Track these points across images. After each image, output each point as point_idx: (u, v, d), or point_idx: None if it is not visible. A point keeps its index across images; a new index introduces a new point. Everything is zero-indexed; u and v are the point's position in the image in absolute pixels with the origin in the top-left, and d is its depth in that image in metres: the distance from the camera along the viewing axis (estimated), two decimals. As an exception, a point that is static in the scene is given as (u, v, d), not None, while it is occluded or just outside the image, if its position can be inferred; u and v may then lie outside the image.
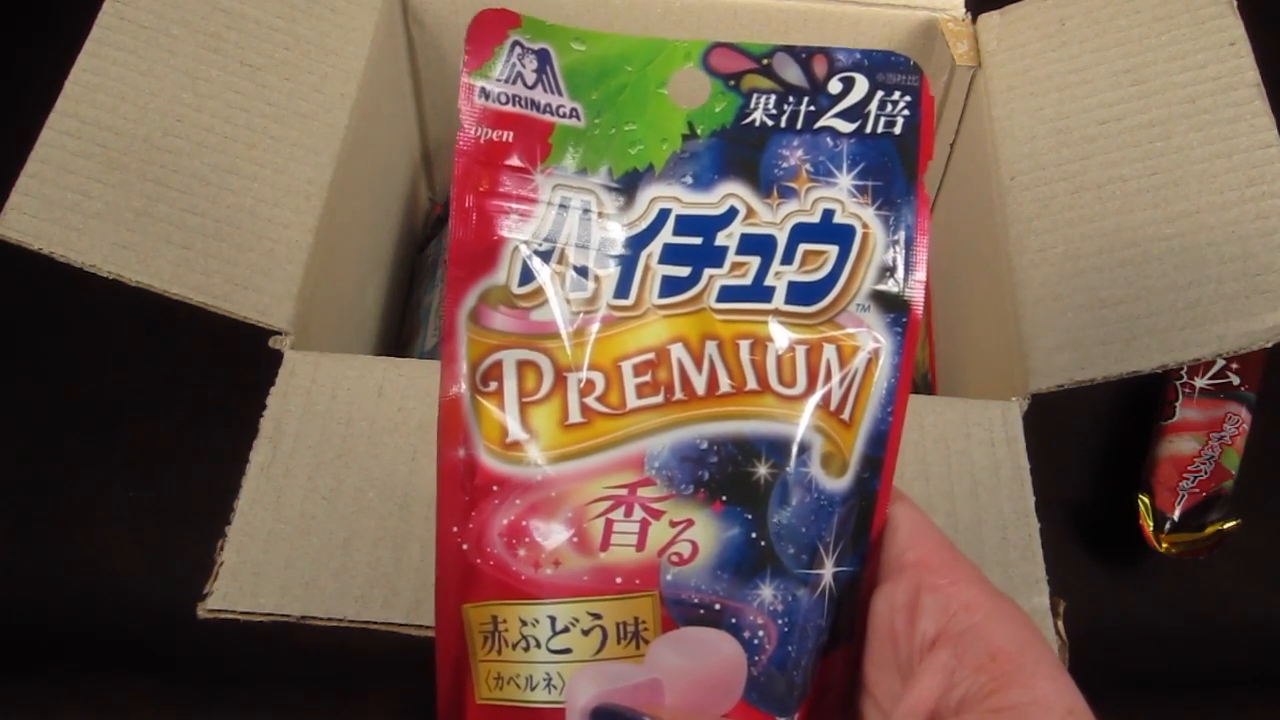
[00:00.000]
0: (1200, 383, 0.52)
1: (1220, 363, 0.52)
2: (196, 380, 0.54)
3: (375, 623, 0.31)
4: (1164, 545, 0.49)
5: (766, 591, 0.24)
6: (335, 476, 0.33)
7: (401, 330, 0.55)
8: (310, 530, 0.32)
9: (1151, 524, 0.49)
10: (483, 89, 0.24)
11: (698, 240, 0.25)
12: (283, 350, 0.35)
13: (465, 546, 0.24)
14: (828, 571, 0.24)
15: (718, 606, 0.23)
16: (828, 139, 0.25)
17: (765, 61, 0.25)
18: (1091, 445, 0.55)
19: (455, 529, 0.24)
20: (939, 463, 0.34)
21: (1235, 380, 0.52)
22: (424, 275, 0.55)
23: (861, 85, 0.25)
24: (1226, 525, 0.48)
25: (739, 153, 0.25)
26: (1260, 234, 0.36)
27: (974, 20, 0.45)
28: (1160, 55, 0.40)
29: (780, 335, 0.25)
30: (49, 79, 0.38)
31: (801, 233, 0.25)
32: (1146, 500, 0.49)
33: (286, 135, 0.39)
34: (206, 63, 0.39)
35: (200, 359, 0.55)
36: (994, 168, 0.41)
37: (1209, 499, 0.49)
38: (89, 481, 0.51)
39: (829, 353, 0.25)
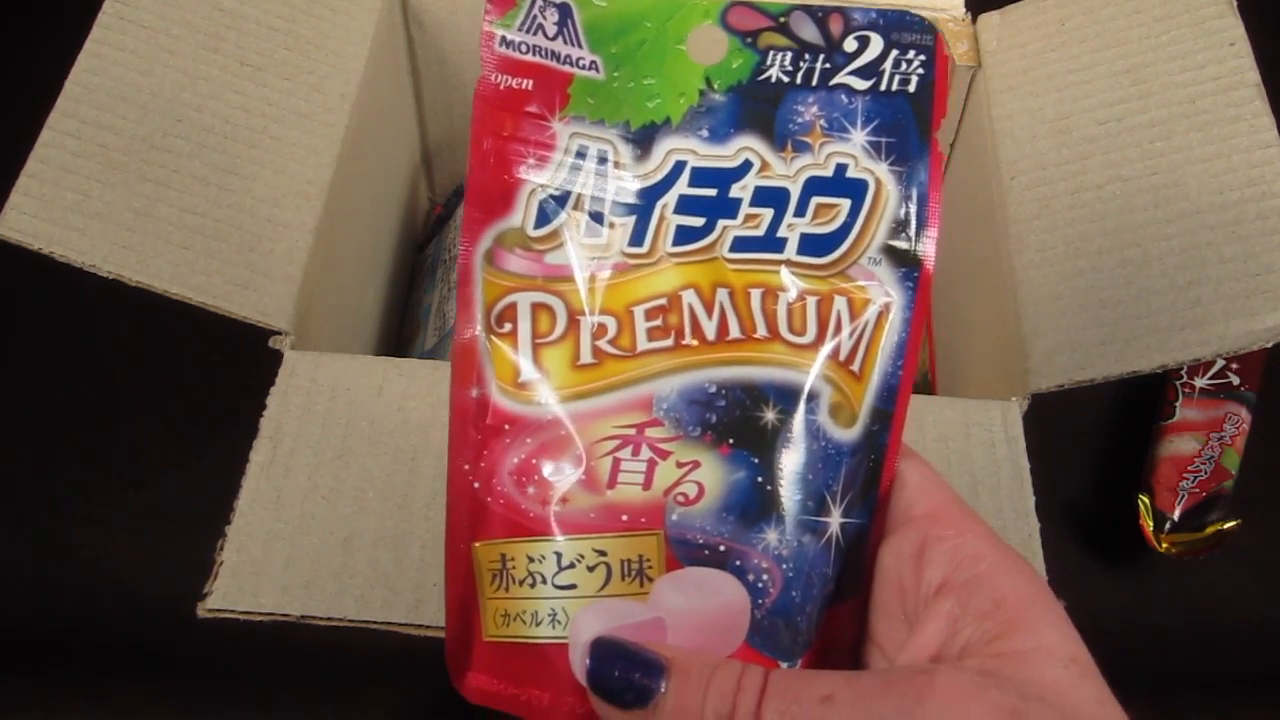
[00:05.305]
0: (1200, 383, 0.52)
1: (1220, 363, 0.52)
2: (196, 380, 0.54)
3: (375, 623, 0.31)
4: (1164, 545, 0.49)
5: (772, 536, 0.24)
6: (335, 476, 0.33)
7: (401, 330, 0.55)
8: (310, 530, 0.32)
9: (1151, 524, 0.49)
10: (503, 37, 0.25)
11: (712, 192, 0.25)
12: (283, 350, 0.35)
13: (476, 485, 0.24)
14: (835, 521, 0.24)
15: (723, 548, 0.24)
16: (842, 96, 0.25)
17: (782, 20, 0.25)
18: (1091, 445, 0.55)
19: (467, 467, 0.24)
20: (939, 463, 0.34)
21: (1235, 380, 0.52)
22: (424, 275, 0.55)
23: (877, 44, 0.25)
24: (1226, 525, 0.48)
25: (755, 108, 0.25)
26: (1260, 234, 0.36)
27: (974, 20, 0.45)
28: (1160, 55, 0.40)
29: (792, 285, 0.25)
30: (49, 79, 0.38)
31: (814, 186, 0.25)
32: (1146, 500, 0.49)
33: (286, 135, 0.39)
34: (206, 63, 0.39)
35: (200, 359, 0.55)
36: (994, 168, 0.41)
37: (1209, 499, 0.49)
38: (89, 481, 0.51)
39: (840, 304, 0.25)
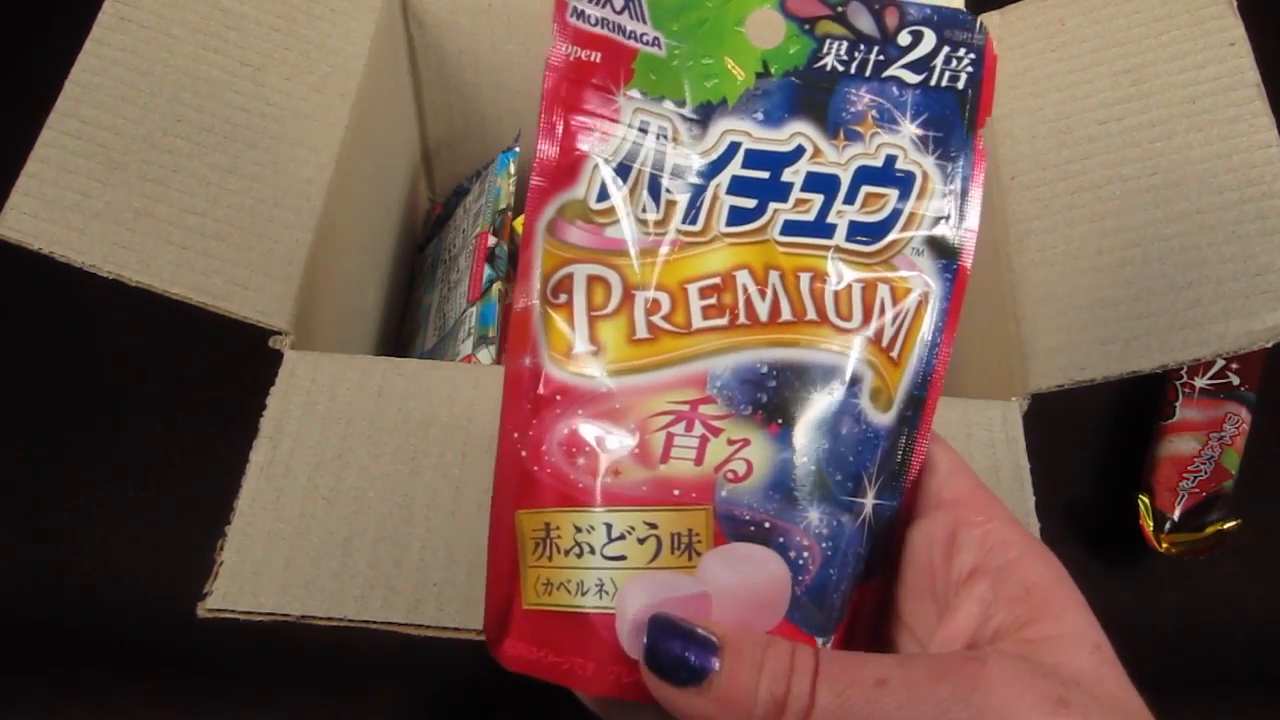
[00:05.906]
0: (1200, 383, 0.52)
1: (1220, 363, 0.53)
2: (196, 380, 0.54)
3: (375, 622, 0.31)
4: (1164, 545, 0.49)
5: (814, 515, 0.24)
6: (335, 476, 0.33)
7: (401, 330, 0.55)
8: (310, 530, 0.32)
9: (1151, 524, 0.49)
10: (575, 8, 0.26)
11: (765, 175, 0.26)
12: (283, 350, 0.35)
13: (524, 454, 0.25)
14: (869, 502, 0.25)
15: (768, 525, 0.24)
16: (894, 88, 0.26)
17: (840, 9, 0.26)
18: (1091, 445, 0.55)
19: (516, 435, 0.25)
20: (939, 463, 0.34)
21: (1235, 380, 0.52)
22: (424, 275, 0.55)
23: (929, 39, 0.26)
24: (1226, 525, 0.48)
25: (809, 94, 0.26)
26: (1260, 234, 0.36)
27: (974, 20, 0.45)
28: (1160, 55, 0.40)
29: (839, 271, 0.25)
30: (49, 79, 0.38)
31: (865, 175, 0.26)
32: (1146, 500, 0.50)
33: (286, 135, 0.39)
34: (206, 63, 0.39)
35: (200, 359, 0.55)
36: (994, 168, 0.41)
37: (1209, 499, 0.49)
38: (89, 481, 0.51)
39: (883, 292, 0.26)
